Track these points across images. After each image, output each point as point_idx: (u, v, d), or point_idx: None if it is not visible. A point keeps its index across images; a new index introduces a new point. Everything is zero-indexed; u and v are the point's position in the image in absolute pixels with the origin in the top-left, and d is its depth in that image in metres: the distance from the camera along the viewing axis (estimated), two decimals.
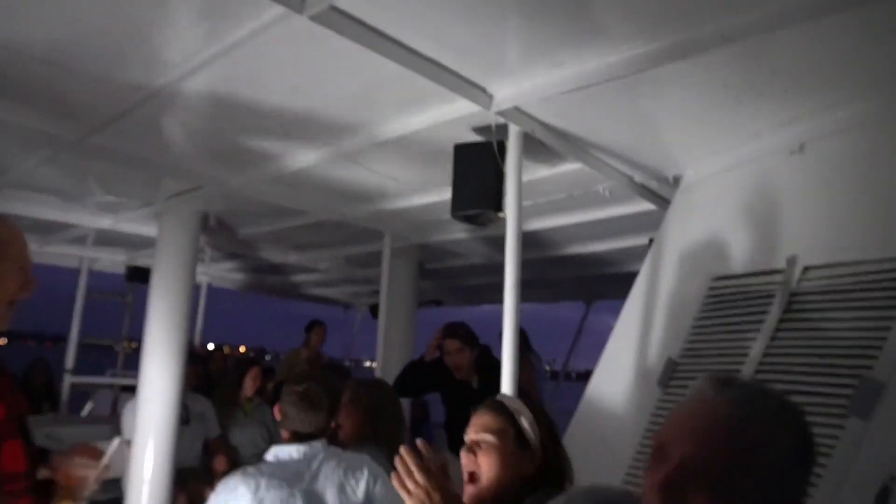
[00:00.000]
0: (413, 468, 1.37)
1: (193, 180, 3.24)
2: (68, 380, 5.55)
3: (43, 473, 1.66)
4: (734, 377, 0.99)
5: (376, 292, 4.32)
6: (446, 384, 3.62)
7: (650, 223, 3.00)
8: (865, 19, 1.64)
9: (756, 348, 2.12)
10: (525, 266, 4.88)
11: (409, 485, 1.36)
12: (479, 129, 2.40)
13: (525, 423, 1.61)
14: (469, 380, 3.57)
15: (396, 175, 3.03)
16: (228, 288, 7.22)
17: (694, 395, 0.95)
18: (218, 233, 4.39)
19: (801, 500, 0.91)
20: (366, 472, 2.23)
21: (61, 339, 5.90)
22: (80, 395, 6.30)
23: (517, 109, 2.17)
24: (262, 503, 1.98)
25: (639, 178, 2.88)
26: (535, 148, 2.51)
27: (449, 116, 2.25)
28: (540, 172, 2.82)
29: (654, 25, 1.73)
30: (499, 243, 2.35)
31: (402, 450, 1.40)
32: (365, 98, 2.20)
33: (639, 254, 2.87)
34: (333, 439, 2.47)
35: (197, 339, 6.66)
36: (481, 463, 1.56)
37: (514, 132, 2.25)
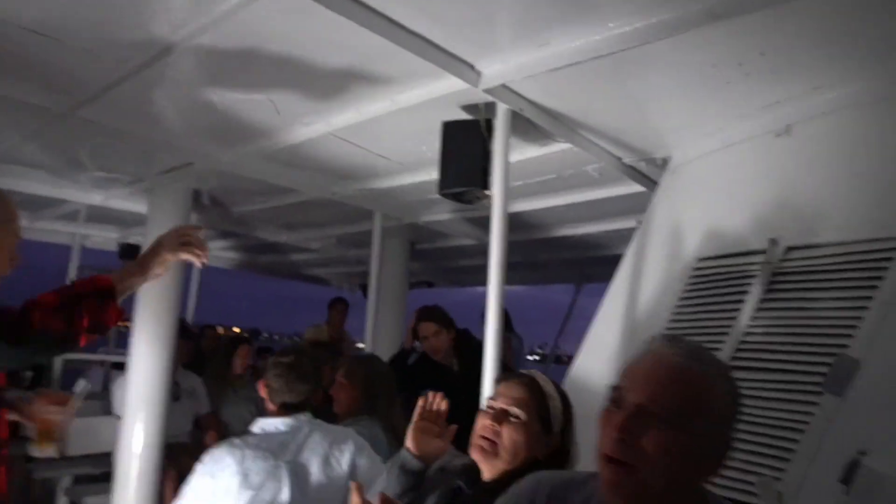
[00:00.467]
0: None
1: (185, 156, 3.23)
2: (60, 357, 5.56)
3: (11, 416, 1.71)
4: (680, 336, 1.09)
5: (368, 273, 4.33)
6: (428, 371, 3.61)
7: (640, 205, 3.01)
8: None
9: (737, 327, 2.15)
10: (515, 248, 4.91)
11: None
12: (467, 108, 2.41)
13: (552, 407, 1.61)
14: (449, 363, 3.58)
15: (386, 153, 3.03)
16: (222, 267, 7.22)
17: (648, 349, 1.07)
18: (211, 211, 4.39)
19: (731, 442, 1.03)
20: (351, 445, 2.27)
21: None
22: (72, 372, 6.33)
23: (505, 87, 2.17)
24: (248, 474, 2.02)
25: (628, 159, 2.89)
26: (525, 127, 2.52)
27: (437, 93, 2.25)
28: (529, 152, 2.83)
29: (642, 3, 1.73)
30: (489, 225, 2.36)
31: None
32: (353, 73, 2.20)
33: (628, 236, 2.89)
34: (328, 413, 2.51)
35: (190, 318, 6.67)
36: (505, 436, 1.55)
37: (501, 110, 2.25)
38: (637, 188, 3.14)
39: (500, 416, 1.58)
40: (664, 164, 2.78)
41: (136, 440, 3.47)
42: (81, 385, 1.82)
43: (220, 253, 6.57)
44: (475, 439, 1.60)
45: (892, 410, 1.64)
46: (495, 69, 2.10)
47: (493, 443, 1.57)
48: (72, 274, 5.57)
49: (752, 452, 1.90)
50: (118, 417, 3.69)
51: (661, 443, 0.97)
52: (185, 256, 1.86)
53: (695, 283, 2.41)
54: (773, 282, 2.12)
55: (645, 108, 2.40)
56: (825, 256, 2.01)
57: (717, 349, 2.15)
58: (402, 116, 2.49)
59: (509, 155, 2.32)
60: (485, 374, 2.25)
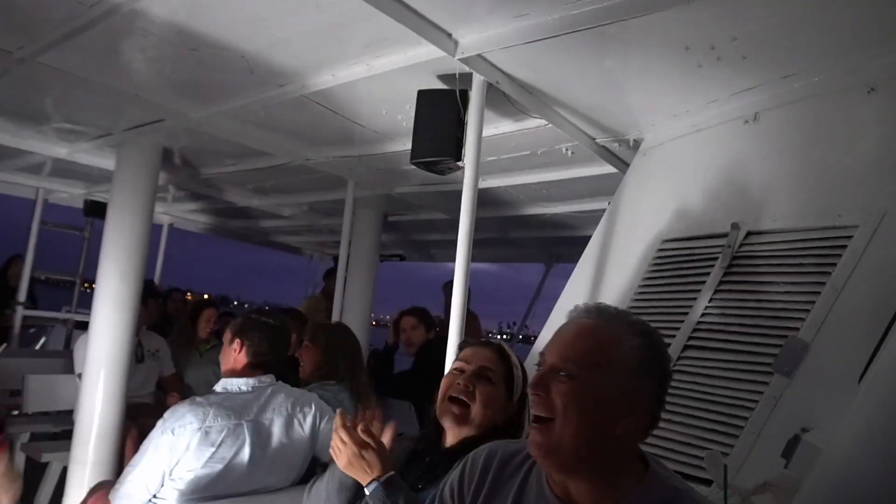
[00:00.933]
0: (340, 430, 1.42)
1: (154, 112, 3.15)
2: (20, 313, 5.45)
3: None
4: (602, 305, 1.16)
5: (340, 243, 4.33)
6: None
7: (612, 187, 3.04)
8: None
9: (696, 308, 2.20)
10: (487, 224, 4.94)
11: (337, 442, 1.43)
12: (444, 77, 2.40)
13: (516, 375, 1.67)
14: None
15: (362, 120, 3.01)
16: (191, 231, 7.12)
17: (569, 318, 1.16)
18: (181, 171, 4.31)
19: (645, 395, 1.08)
20: (314, 408, 2.29)
21: None
22: (36, 329, 6.22)
23: (481, 58, 2.16)
24: (209, 432, 2.03)
25: (601, 139, 2.91)
26: (500, 101, 2.52)
27: (414, 61, 2.23)
28: (504, 127, 2.83)
29: None
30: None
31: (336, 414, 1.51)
32: (329, 35, 2.17)
33: (599, 218, 2.93)
34: (292, 379, 2.53)
35: (157, 280, 6.58)
36: (479, 397, 1.59)
37: (477, 81, 2.25)
38: (609, 169, 3.17)
39: (475, 377, 1.62)
40: (636, 145, 2.81)
41: (97, 399, 3.43)
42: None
43: (190, 216, 6.47)
44: (444, 404, 1.63)
45: (834, 391, 1.71)
46: (472, 39, 2.09)
47: (465, 407, 1.60)
48: (34, 228, 5.44)
49: (704, 429, 1.97)
50: (79, 376, 3.65)
51: (564, 392, 1.06)
52: None
53: (658, 264, 2.46)
54: (732, 265, 2.17)
55: (619, 87, 2.42)
56: (782, 242, 2.07)
57: (675, 328, 2.21)
58: (378, 82, 2.46)
59: (483, 128, 2.32)
60: (449, 345, 2.28)
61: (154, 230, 3.83)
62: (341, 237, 4.14)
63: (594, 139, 2.92)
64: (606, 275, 2.69)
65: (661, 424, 1.79)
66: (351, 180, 3.97)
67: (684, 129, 2.53)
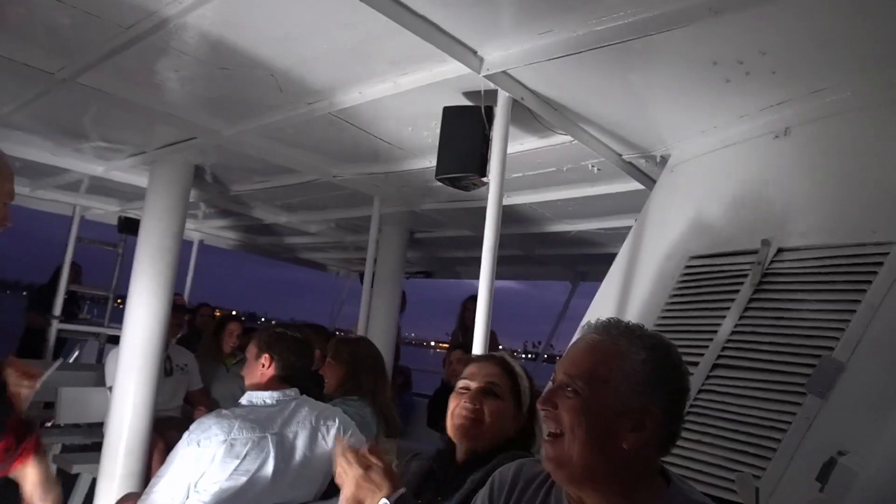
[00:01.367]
0: (345, 455, 1.40)
1: (187, 130, 3.23)
2: (56, 326, 5.59)
3: None
4: (615, 321, 1.16)
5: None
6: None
7: (638, 204, 3.02)
8: None
9: (725, 326, 2.15)
10: (512, 241, 4.92)
11: (342, 466, 1.40)
12: (469, 94, 2.41)
13: (522, 386, 1.67)
14: None
15: (388, 137, 3.04)
16: (221, 247, 7.24)
17: (581, 333, 1.17)
18: (210, 188, 4.40)
19: (655, 410, 1.06)
20: (337, 422, 2.30)
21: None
22: (69, 343, 6.36)
23: (506, 74, 2.18)
24: (234, 444, 2.04)
25: (627, 155, 2.89)
26: (525, 117, 2.52)
27: (440, 78, 2.26)
28: (529, 143, 2.84)
29: None
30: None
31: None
32: (356, 53, 2.20)
33: (626, 235, 2.91)
34: (316, 392, 2.55)
35: (186, 296, 6.70)
36: (487, 412, 1.59)
37: (502, 98, 2.26)
38: (636, 186, 3.14)
39: (480, 394, 1.61)
40: (663, 161, 2.78)
41: (126, 412, 3.49)
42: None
43: (220, 233, 6.59)
44: (454, 419, 1.62)
45: (871, 412, 1.65)
46: (497, 55, 2.11)
47: (476, 422, 1.59)
48: (71, 244, 5.60)
49: (735, 450, 1.92)
50: (110, 389, 3.72)
51: (570, 408, 1.06)
52: None
53: (686, 282, 2.42)
54: (763, 282, 2.13)
55: (645, 103, 2.40)
56: (815, 259, 2.02)
57: (704, 347, 2.17)
58: (404, 100, 2.49)
59: (508, 144, 2.33)
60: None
61: (184, 246, 3.91)
62: (367, 254, 4.17)
63: (620, 155, 2.90)
64: (632, 292, 2.65)
65: (690, 445, 1.75)
66: (377, 197, 4.01)
67: (713, 144, 2.50)
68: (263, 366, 2.24)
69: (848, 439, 1.66)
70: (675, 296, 2.43)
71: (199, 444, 2.01)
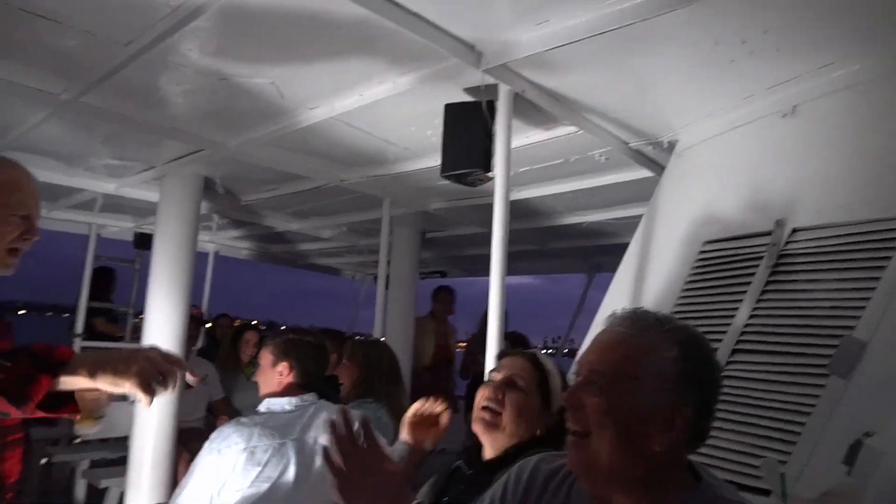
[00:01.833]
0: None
1: (193, 143, 3.25)
2: (78, 344, 5.66)
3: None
4: (641, 310, 1.10)
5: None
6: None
7: (650, 192, 2.98)
8: None
9: (743, 310, 2.12)
10: (525, 236, 4.89)
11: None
12: (470, 90, 2.40)
13: (552, 384, 1.64)
14: None
15: (392, 138, 3.03)
16: (237, 257, 7.30)
17: (605, 326, 1.11)
18: (222, 199, 4.43)
19: (686, 409, 1.00)
20: (357, 426, 2.29)
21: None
22: None
23: (506, 67, 2.15)
24: (255, 451, 2.05)
25: (634, 143, 2.86)
26: (528, 110, 2.50)
27: (439, 75, 2.25)
28: (534, 136, 2.81)
29: None
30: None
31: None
32: (353, 55, 2.20)
33: (638, 224, 2.87)
34: (333, 396, 2.55)
35: (205, 308, 6.75)
36: (508, 405, 1.57)
37: (503, 91, 2.24)
38: (645, 173, 3.11)
39: (503, 385, 1.60)
40: (671, 147, 2.75)
41: (149, 425, 3.52)
42: None
43: (234, 243, 6.63)
44: (477, 412, 1.61)
45: None
46: (495, 49, 2.09)
47: (495, 413, 1.57)
48: (88, 262, 5.67)
49: (758, 436, 1.88)
50: (132, 403, 3.76)
51: (597, 406, 1.01)
52: (139, 393, 1.33)
53: (700, 267, 2.39)
54: (779, 264, 2.09)
55: (649, 89, 2.37)
56: (831, 238, 1.98)
57: (722, 332, 2.13)
58: (405, 100, 2.48)
59: (513, 138, 2.31)
60: (488, 359, 2.25)
61: (200, 258, 3.94)
62: (379, 256, 4.17)
63: (627, 143, 2.87)
64: (647, 281, 2.62)
65: (712, 433, 1.72)
66: (386, 199, 4.01)
67: (720, 127, 2.46)
68: (281, 373, 2.24)
69: (873, 419, 1.62)
70: (691, 282, 2.39)
71: (219, 453, 2.02)
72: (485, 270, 2.31)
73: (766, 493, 1.71)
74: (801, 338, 1.94)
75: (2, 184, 1.56)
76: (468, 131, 2.31)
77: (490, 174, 2.30)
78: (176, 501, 2.03)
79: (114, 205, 4.88)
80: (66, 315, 6.11)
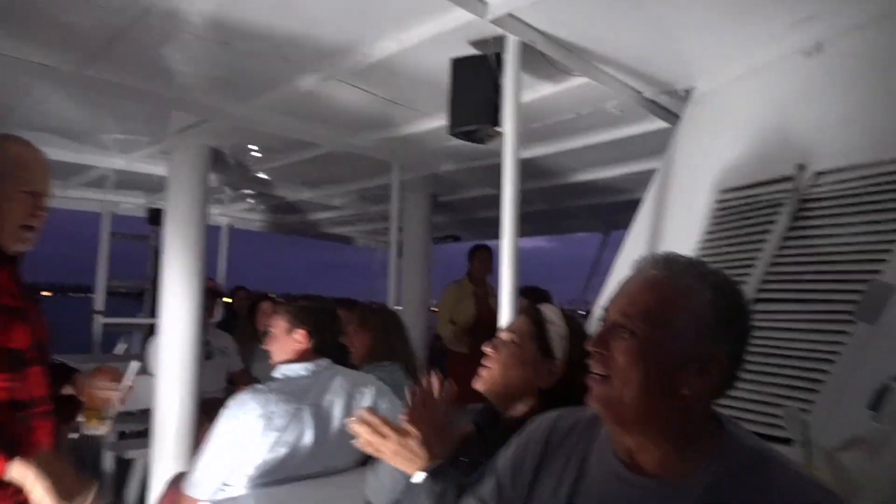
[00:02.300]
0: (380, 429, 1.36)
1: (198, 113, 3.21)
2: (99, 321, 5.75)
3: (67, 390, 1.73)
4: (671, 255, 1.04)
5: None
6: None
7: (664, 145, 2.90)
8: None
9: (764, 258, 2.06)
10: (538, 195, 4.81)
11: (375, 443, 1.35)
12: (477, 43, 2.32)
13: (552, 332, 1.60)
14: None
15: (398, 98, 2.97)
16: (250, 230, 7.31)
17: (635, 270, 1.06)
18: (232, 170, 4.41)
19: (721, 355, 0.97)
20: (373, 389, 2.29)
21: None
22: (114, 335, 6.56)
23: (513, 17, 2.07)
24: (272, 417, 2.05)
25: (648, 92, 2.77)
26: (538, 62, 2.41)
27: (444, 28, 2.17)
28: (544, 90, 2.73)
29: None
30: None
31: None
32: (356, 12, 2.13)
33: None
34: (344, 362, 2.55)
35: (222, 281, 6.79)
36: (496, 358, 1.59)
37: (511, 42, 2.16)
38: (660, 125, 3.02)
39: (496, 342, 1.61)
40: (687, 95, 2.65)
41: (170, 397, 3.57)
42: (133, 366, 1.81)
43: (247, 215, 6.64)
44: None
45: None
46: None
47: (488, 368, 1.59)
48: (104, 240, 5.71)
49: (781, 385, 1.84)
50: (152, 376, 3.81)
51: (625, 351, 0.98)
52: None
53: (719, 216, 2.32)
54: (802, 209, 2.02)
55: (664, 35, 2.27)
56: (855, 179, 1.90)
57: (743, 282, 2.08)
58: (409, 57, 2.41)
59: (522, 93, 2.23)
60: (501, 321, 2.22)
61: (214, 232, 3.93)
62: (390, 222, 4.13)
63: (641, 93, 2.78)
64: (665, 233, 2.56)
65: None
66: (395, 163, 3.95)
67: (739, 70, 2.37)
68: (297, 340, 2.23)
69: None
70: (710, 232, 2.33)
71: (237, 418, 2.03)
72: (498, 233, 2.27)
73: (788, 441, 1.68)
74: (825, 283, 1.89)
75: (10, 161, 1.57)
76: (476, 86, 2.24)
77: (499, 129, 2.24)
78: (196, 468, 2.05)
79: (127, 181, 4.88)
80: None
